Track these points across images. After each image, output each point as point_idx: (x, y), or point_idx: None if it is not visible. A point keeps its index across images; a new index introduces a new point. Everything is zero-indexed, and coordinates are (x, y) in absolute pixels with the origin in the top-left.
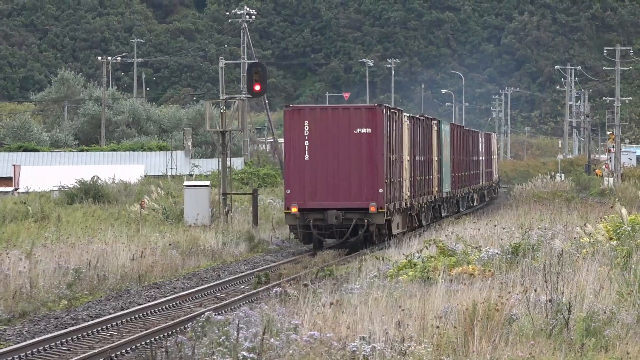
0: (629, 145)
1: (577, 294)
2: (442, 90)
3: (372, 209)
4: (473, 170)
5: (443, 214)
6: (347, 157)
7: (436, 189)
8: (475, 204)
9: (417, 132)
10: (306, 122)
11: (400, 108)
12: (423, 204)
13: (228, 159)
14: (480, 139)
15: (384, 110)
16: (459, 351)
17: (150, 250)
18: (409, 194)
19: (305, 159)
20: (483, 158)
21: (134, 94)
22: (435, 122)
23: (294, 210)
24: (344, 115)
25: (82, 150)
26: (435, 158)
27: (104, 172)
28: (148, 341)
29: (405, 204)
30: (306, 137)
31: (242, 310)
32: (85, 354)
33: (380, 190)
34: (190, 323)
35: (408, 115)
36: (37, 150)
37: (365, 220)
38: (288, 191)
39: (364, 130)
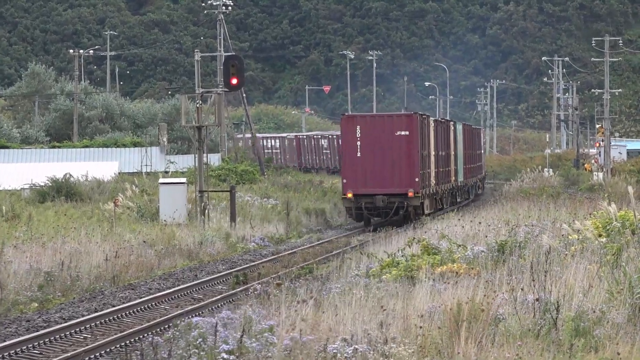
0: (619, 139)
1: (565, 293)
2: (425, 83)
3: (410, 194)
4: (477, 162)
5: (458, 200)
6: (390, 153)
7: (453, 178)
8: (479, 191)
9: (439, 132)
10: (358, 127)
11: (428, 114)
12: (444, 190)
13: (205, 155)
14: (481, 135)
15: (418, 117)
16: (444, 352)
17: (125, 250)
18: (434, 182)
19: (358, 155)
20: (478, 152)
21: (107, 88)
22: (452, 123)
23: (350, 195)
24: (387, 121)
25: (53, 147)
26: (452, 153)
27: (77, 169)
28: (123, 344)
29: (433, 190)
30: (358, 139)
31: (219, 312)
32: (59, 358)
33: (416, 179)
34: (167, 325)
35: (434, 119)
36: (7, 147)
37: (405, 203)
38: (344, 180)
39: (403, 133)
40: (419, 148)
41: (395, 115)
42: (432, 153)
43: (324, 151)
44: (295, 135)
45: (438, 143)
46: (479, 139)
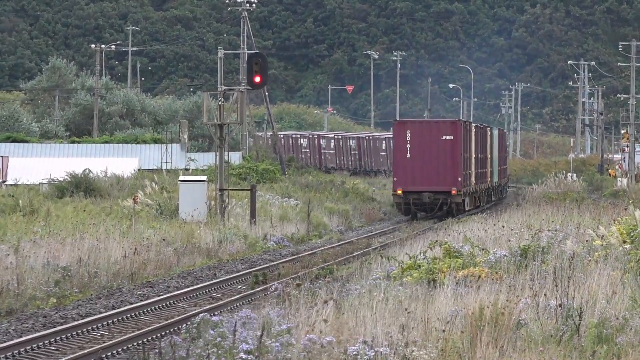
0: None
1: (588, 299)
2: (449, 85)
3: (453, 192)
4: (504, 165)
5: (493, 198)
6: (436, 155)
7: (489, 179)
8: (508, 192)
9: (479, 137)
10: (408, 131)
11: (469, 120)
12: (482, 189)
13: (225, 153)
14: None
15: (462, 124)
16: (465, 357)
17: (144, 247)
18: (474, 182)
19: (407, 157)
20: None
21: (128, 84)
22: (489, 128)
23: (399, 192)
24: (434, 126)
25: (73, 142)
26: (489, 156)
27: (96, 165)
28: (140, 342)
29: (473, 189)
30: (408, 142)
31: (239, 311)
32: (75, 355)
33: (459, 179)
34: (185, 324)
35: (475, 125)
36: (26, 141)
37: (448, 200)
38: (395, 179)
39: (448, 137)
40: (461, 151)
41: (441, 121)
42: (473, 156)
43: (353, 152)
44: (336, 135)
45: (478, 147)
46: (505, 143)
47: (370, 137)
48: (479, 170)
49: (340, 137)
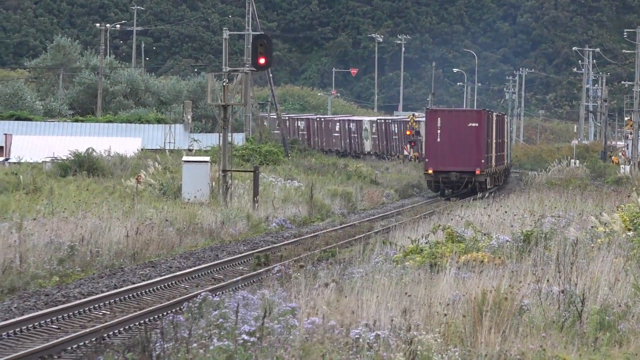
0: None
1: (591, 286)
2: (453, 69)
3: (477, 172)
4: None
5: (506, 178)
6: (463, 140)
7: (505, 161)
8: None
9: (498, 123)
10: (439, 118)
11: (490, 109)
12: (500, 170)
13: (229, 134)
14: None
15: (485, 113)
16: (467, 341)
17: (146, 227)
18: (494, 164)
19: (438, 140)
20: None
21: (132, 63)
22: (505, 116)
23: (430, 171)
24: (462, 115)
25: (76, 121)
26: (506, 140)
27: (99, 144)
28: (142, 321)
29: (493, 170)
30: (438, 128)
31: (241, 292)
32: (77, 333)
33: (482, 161)
34: (187, 304)
35: (495, 113)
36: (29, 119)
37: (473, 179)
38: (427, 160)
39: (473, 124)
40: (485, 137)
41: (468, 110)
42: (493, 141)
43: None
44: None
45: (497, 132)
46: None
47: (354, 121)
48: (498, 154)
49: (331, 120)
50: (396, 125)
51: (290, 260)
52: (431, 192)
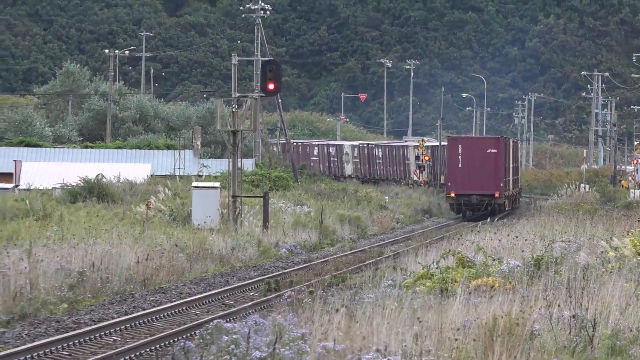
0: None
1: (602, 311)
2: (462, 94)
3: (497, 195)
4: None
5: (520, 200)
6: (482, 165)
7: (519, 184)
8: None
9: (513, 149)
10: (460, 145)
11: (507, 136)
12: (516, 192)
13: (239, 159)
14: (522, 149)
15: (503, 139)
16: None
17: (156, 253)
18: (511, 187)
19: (459, 166)
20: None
21: (141, 89)
22: (519, 142)
23: (452, 194)
24: (481, 141)
25: (86, 147)
26: (518, 165)
27: (109, 170)
28: (153, 348)
29: (510, 193)
30: (459, 154)
31: (252, 318)
32: None
33: (501, 184)
34: (198, 330)
35: (512, 140)
36: (39, 146)
37: (492, 201)
38: (449, 184)
39: (492, 150)
40: (503, 162)
41: (487, 137)
42: (510, 165)
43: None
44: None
45: (512, 158)
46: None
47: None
48: (514, 177)
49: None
50: (380, 150)
51: (300, 285)
52: (441, 217)
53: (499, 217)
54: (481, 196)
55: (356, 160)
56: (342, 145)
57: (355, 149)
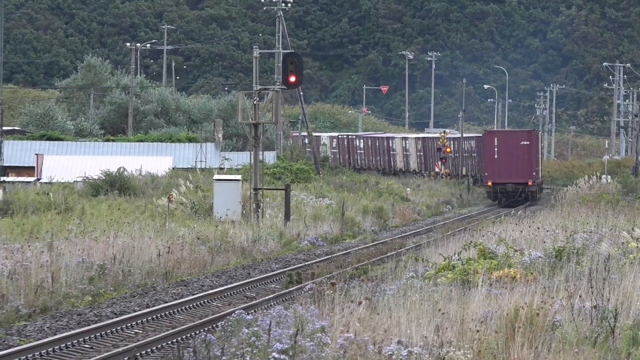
0: None
1: (623, 301)
2: (484, 86)
3: (530, 183)
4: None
5: (542, 189)
6: (516, 156)
7: (542, 173)
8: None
9: (540, 141)
10: (495, 138)
11: (538, 130)
12: (541, 181)
13: (260, 152)
14: (543, 140)
15: (535, 132)
16: (500, 357)
17: (178, 246)
18: (540, 175)
19: (495, 157)
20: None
21: (163, 82)
22: (540, 133)
23: (490, 183)
24: (516, 134)
25: (107, 140)
26: (540, 156)
27: (131, 163)
28: (175, 340)
29: (540, 180)
30: (495, 146)
31: (273, 310)
32: (109, 353)
33: (534, 173)
34: (219, 322)
35: (541, 132)
36: (61, 139)
37: (526, 189)
38: (486, 173)
39: (525, 143)
40: (535, 153)
41: (520, 130)
42: (539, 156)
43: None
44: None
45: (542, 149)
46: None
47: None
48: (542, 167)
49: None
50: (362, 141)
51: (322, 277)
52: (463, 209)
53: (525, 206)
54: (516, 184)
55: (334, 150)
56: (320, 136)
57: (334, 140)
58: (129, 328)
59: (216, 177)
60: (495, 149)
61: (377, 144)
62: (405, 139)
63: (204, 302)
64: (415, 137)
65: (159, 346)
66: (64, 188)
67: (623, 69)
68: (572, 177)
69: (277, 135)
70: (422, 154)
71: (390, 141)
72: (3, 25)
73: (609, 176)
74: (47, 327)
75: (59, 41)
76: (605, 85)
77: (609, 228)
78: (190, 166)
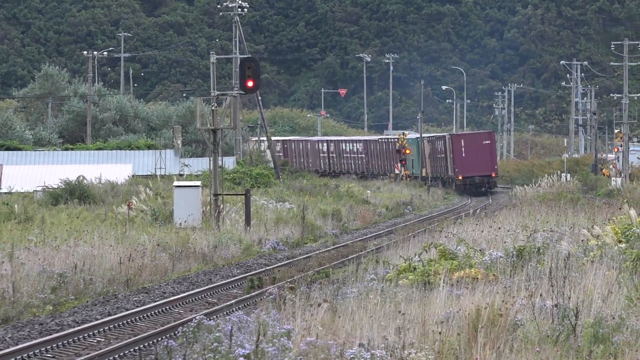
0: (637, 144)
1: (584, 299)
2: (442, 87)
3: (493, 175)
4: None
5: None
6: (480, 153)
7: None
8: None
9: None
10: (462, 140)
11: (495, 130)
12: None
13: (219, 158)
14: (502, 140)
15: (494, 133)
16: (462, 358)
17: (139, 253)
18: (498, 169)
19: (463, 155)
20: None
21: (121, 90)
22: (496, 133)
23: (460, 177)
24: (479, 135)
25: (66, 149)
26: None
27: (90, 171)
28: (137, 348)
29: (500, 173)
30: (462, 146)
31: (235, 315)
32: None
33: (495, 167)
34: (181, 328)
35: (494, 132)
36: (19, 149)
37: (490, 180)
38: (456, 169)
39: (487, 142)
40: (494, 150)
41: (482, 132)
42: (498, 152)
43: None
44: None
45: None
46: None
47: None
48: (498, 166)
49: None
50: (324, 144)
51: (283, 282)
52: (423, 211)
53: (485, 205)
54: (481, 176)
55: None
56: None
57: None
58: (90, 337)
59: (176, 183)
60: (463, 149)
61: (333, 147)
62: (362, 141)
63: (165, 309)
64: (366, 140)
65: (121, 354)
66: (23, 198)
67: (580, 67)
68: (531, 177)
69: (236, 141)
70: (371, 156)
71: (347, 144)
72: None
73: (569, 174)
74: (9, 338)
75: (15, 51)
76: (563, 83)
77: (569, 226)
78: (150, 173)
